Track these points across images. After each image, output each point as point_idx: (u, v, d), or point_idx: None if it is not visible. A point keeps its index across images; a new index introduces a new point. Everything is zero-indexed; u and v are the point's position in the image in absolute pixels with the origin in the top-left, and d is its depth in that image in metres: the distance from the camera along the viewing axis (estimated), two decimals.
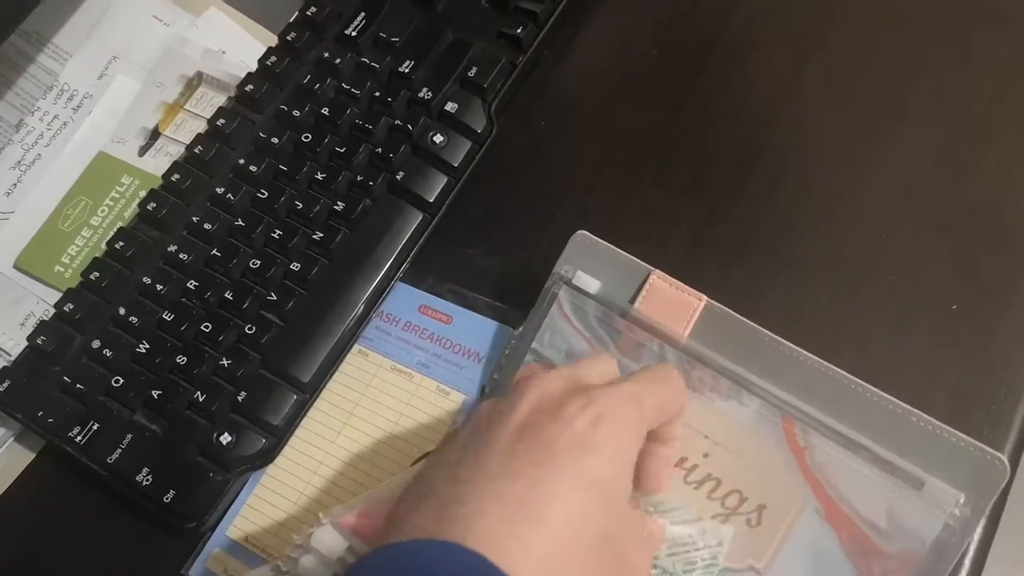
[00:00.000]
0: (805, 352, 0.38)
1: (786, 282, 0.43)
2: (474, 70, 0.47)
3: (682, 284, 0.41)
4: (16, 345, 0.48)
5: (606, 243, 0.42)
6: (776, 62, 0.48)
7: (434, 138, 0.47)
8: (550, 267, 0.43)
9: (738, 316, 0.40)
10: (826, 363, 0.38)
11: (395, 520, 0.31)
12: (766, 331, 0.39)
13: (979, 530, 0.35)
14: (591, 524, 0.30)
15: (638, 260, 0.42)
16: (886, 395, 0.37)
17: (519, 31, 0.48)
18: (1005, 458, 0.35)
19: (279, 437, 0.43)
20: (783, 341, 0.39)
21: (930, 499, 0.35)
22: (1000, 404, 0.38)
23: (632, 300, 0.41)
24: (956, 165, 0.44)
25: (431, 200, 0.46)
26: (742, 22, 0.50)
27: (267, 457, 0.42)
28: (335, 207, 0.46)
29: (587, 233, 0.42)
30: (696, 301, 0.40)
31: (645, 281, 0.41)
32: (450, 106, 0.47)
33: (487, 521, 0.29)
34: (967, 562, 0.36)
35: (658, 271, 0.41)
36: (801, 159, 0.46)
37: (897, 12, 0.48)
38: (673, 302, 0.41)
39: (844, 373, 0.38)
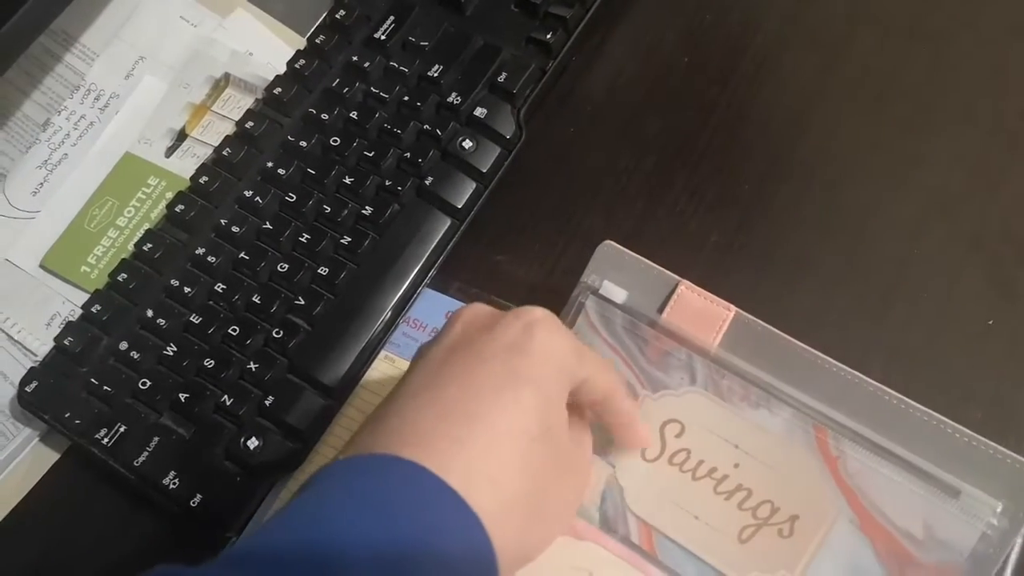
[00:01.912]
0: (837, 363, 0.38)
1: (816, 294, 0.43)
2: (503, 75, 0.47)
3: (711, 295, 0.40)
4: (42, 345, 0.48)
5: (633, 253, 0.42)
6: (806, 71, 0.48)
7: (463, 143, 0.46)
8: (578, 274, 0.43)
9: (769, 327, 0.39)
10: (859, 374, 0.38)
11: (343, 448, 0.32)
12: (797, 342, 0.39)
13: (1020, 541, 0.35)
14: (526, 418, 0.30)
15: (665, 270, 0.41)
16: (920, 406, 0.37)
17: (549, 36, 0.48)
18: None
19: (306, 442, 0.42)
20: (814, 351, 0.39)
21: (967, 508, 0.35)
22: None
23: (660, 310, 0.41)
24: (988, 179, 0.44)
25: (459, 206, 0.46)
26: (772, 30, 0.49)
27: (294, 462, 0.42)
28: (363, 211, 0.46)
29: (613, 243, 0.42)
30: (725, 312, 0.40)
31: (673, 291, 0.41)
32: (479, 111, 0.47)
33: (418, 427, 0.29)
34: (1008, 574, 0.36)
35: (686, 281, 0.41)
36: (831, 169, 0.45)
37: (928, 24, 0.48)
38: (701, 312, 0.40)
39: (877, 384, 0.37)
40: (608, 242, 0.42)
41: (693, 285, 0.41)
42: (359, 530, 0.26)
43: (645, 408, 0.39)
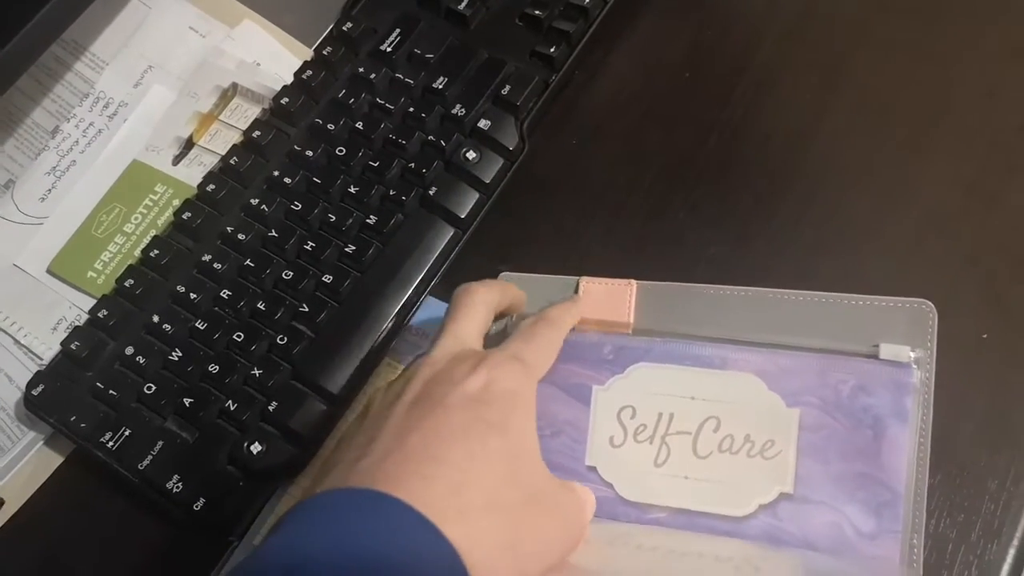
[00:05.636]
0: (733, 287, 0.41)
1: None
2: (507, 88, 0.48)
3: (610, 279, 0.43)
4: (48, 349, 0.48)
5: (531, 274, 0.44)
6: (806, 88, 0.49)
7: (466, 154, 0.47)
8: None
9: (670, 283, 0.42)
10: (754, 287, 0.40)
11: (307, 490, 0.32)
12: (695, 284, 0.42)
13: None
14: (492, 463, 0.31)
15: (564, 276, 0.43)
16: (818, 292, 0.40)
17: (552, 50, 0.49)
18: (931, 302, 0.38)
19: (308, 448, 0.43)
20: (711, 285, 0.41)
21: (887, 360, 0.38)
22: None
23: None
24: (985, 196, 0.44)
25: (462, 216, 0.46)
26: (773, 47, 0.50)
27: (296, 467, 0.43)
28: (367, 220, 0.46)
29: (509, 272, 0.44)
30: (627, 287, 0.42)
31: (578, 288, 0.43)
32: (483, 123, 0.48)
33: (388, 466, 0.30)
34: None
35: (586, 276, 0.43)
36: (830, 186, 0.46)
37: (927, 43, 0.49)
38: (608, 296, 0.42)
39: (775, 289, 0.40)
40: (504, 273, 0.44)
41: (592, 277, 0.43)
42: (334, 559, 0.27)
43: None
